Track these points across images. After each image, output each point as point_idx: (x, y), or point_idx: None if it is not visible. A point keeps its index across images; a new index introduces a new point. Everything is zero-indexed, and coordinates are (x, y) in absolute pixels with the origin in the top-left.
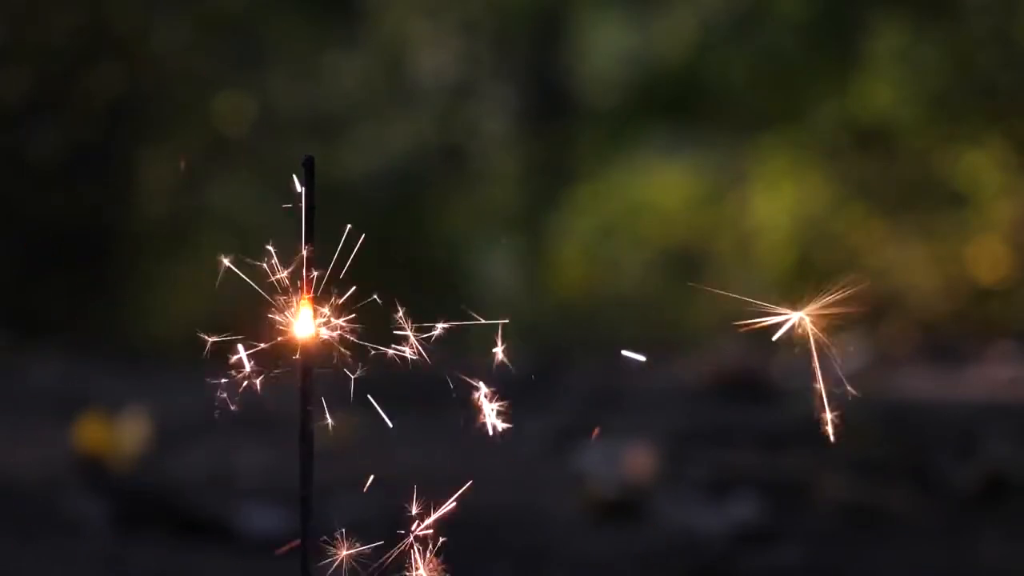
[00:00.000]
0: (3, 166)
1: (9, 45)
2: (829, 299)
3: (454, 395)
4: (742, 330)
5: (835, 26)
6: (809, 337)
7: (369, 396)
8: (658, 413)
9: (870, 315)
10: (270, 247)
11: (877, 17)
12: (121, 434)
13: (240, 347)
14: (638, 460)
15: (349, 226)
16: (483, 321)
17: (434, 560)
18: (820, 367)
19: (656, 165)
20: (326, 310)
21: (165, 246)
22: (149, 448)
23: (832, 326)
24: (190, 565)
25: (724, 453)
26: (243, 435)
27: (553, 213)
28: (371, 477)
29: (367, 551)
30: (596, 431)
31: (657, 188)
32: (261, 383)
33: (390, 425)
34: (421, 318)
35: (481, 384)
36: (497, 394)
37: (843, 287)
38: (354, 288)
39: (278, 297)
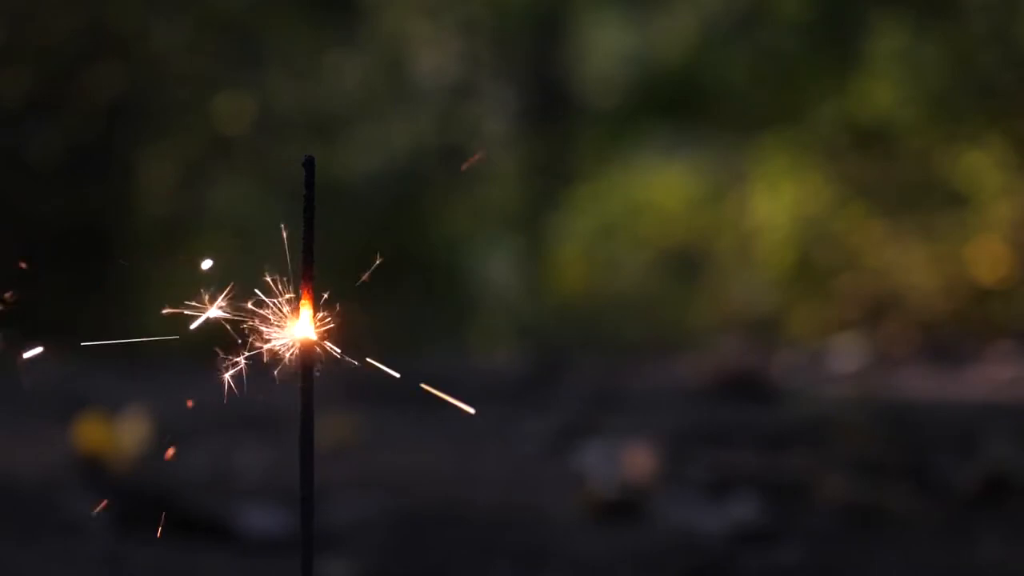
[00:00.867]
0: (3, 166)
1: (9, 45)
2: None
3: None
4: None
5: (835, 26)
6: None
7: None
8: (658, 413)
9: (870, 315)
10: (267, 257)
11: (877, 17)
12: (121, 434)
13: (240, 348)
14: (638, 460)
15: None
16: None
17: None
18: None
19: (656, 165)
20: (324, 312)
21: (165, 246)
22: (149, 448)
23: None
24: (190, 565)
25: (724, 453)
26: (243, 435)
27: (553, 213)
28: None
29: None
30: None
31: (657, 188)
32: (259, 384)
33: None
34: (421, 317)
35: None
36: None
37: None
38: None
39: (278, 299)
